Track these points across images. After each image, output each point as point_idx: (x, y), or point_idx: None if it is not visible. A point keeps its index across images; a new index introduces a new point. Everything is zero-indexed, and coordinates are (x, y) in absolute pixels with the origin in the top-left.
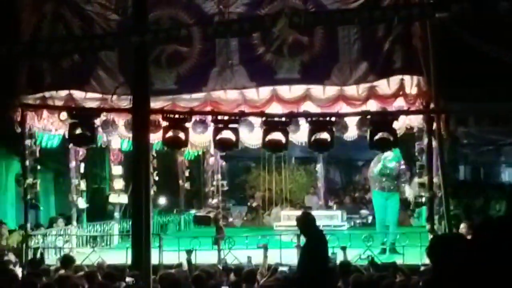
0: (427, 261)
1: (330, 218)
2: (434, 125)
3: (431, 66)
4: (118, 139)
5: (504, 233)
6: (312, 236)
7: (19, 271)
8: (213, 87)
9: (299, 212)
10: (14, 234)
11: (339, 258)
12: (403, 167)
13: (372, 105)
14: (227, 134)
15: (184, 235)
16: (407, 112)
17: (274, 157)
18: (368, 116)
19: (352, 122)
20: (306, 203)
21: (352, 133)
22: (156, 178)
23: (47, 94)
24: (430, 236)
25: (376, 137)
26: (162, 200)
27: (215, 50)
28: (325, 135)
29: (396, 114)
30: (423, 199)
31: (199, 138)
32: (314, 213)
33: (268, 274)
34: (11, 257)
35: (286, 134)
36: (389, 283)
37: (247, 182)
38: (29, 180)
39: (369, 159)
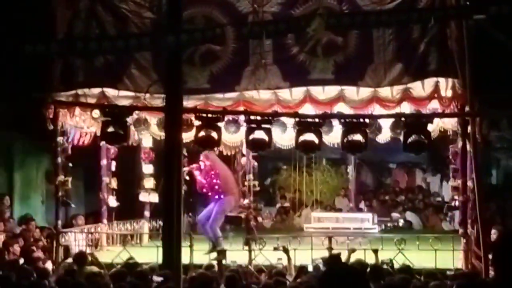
0: (459, 265)
1: (360, 221)
2: (469, 128)
3: (466, 69)
4: (150, 137)
5: None
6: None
7: (49, 267)
8: (246, 87)
9: (329, 214)
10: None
11: (371, 261)
12: None
13: (406, 107)
14: (259, 134)
15: None
16: (442, 115)
17: (305, 158)
18: (402, 118)
19: (385, 124)
20: (336, 205)
21: (385, 135)
22: (187, 178)
23: (79, 91)
24: (463, 241)
25: (410, 139)
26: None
27: (249, 49)
28: (358, 137)
29: (430, 117)
30: (456, 203)
31: (232, 138)
32: (344, 215)
33: (296, 274)
34: (40, 254)
35: (319, 135)
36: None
37: (277, 183)
38: (61, 177)
39: (401, 162)
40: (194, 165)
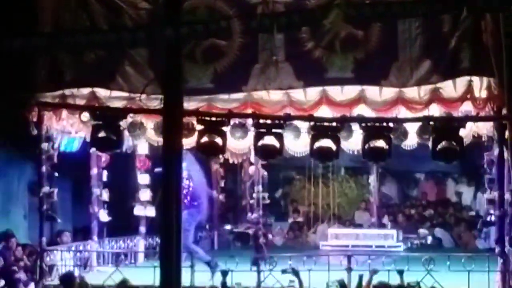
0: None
1: (384, 238)
2: (506, 133)
3: (503, 66)
4: (146, 143)
5: None
6: None
7: None
8: (255, 87)
9: (348, 230)
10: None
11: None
12: None
13: (435, 110)
14: (270, 140)
15: (219, 253)
16: (476, 119)
17: (320, 167)
18: (431, 122)
19: (412, 129)
20: (356, 220)
21: (411, 141)
22: None
23: (67, 91)
24: (500, 260)
25: (440, 146)
26: None
27: (258, 45)
28: (381, 143)
29: (462, 121)
30: (492, 218)
31: (238, 144)
32: (365, 231)
33: None
34: (22, 275)
35: (337, 141)
36: None
37: (290, 195)
38: (45, 189)
39: (430, 172)
40: None
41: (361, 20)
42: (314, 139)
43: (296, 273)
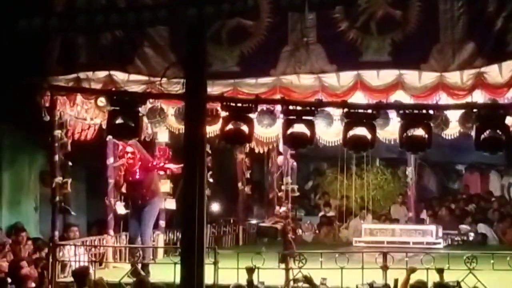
0: None
1: (422, 234)
2: None
3: None
4: (166, 131)
5: None
6: None
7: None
8: (284, 70)
9: (384, 226)
10: None
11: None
12: None
13: (479, 96)
14: (300, 127)
15: (244, 250)
16: None
17: (354, 158)
18: (474, 110)
19: (453, 117)
20: (392, 215)
21: (453, 130)
22: (211, 180)
23: (82, 75)
24: None
25: (484, 135)
26: (217, 207)
27: (287, 25)
28: (420, 132)
29: (509, 108)
30: None
31: (266, 133)
32: (402, 227)
33: None
34: (31, 271)
35: (372, 129)
36: None
37: (321, 188)
38: (58, 179)
39: (473, 163)
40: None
41: None
42: (347, 127)
43: (309, 281)
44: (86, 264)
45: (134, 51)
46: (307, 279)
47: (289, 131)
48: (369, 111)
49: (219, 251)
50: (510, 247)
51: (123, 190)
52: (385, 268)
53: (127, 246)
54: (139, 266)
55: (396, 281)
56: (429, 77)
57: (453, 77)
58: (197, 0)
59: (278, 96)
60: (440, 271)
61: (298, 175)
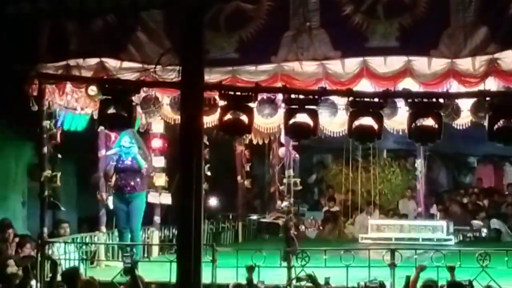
0: None
1: (432, 230)
2: None
3: None
4: (161, 121)
5: None
6: None
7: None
8: (286, 57)
9: (392, 221)
10: None
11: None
12: None
13: (492, 84)
14: (302, 117)
15: (244, 247)
16: None
17: (360, 149)
18: (487, 98)
19: (465, 105)
20: (400, 210)
21: (464, 119)
22: (208, 173)
23: (72, 62)
24: None
25: (497, 125)
26: (215, 202)
27: (289, 9)
28: (430, 122)
29: None
30: None
31: (266, 123)
32: (411, 223)
33: None
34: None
35: (379, 119)
36: None
37: (325, 181)
38: (47, 172)
39: (486, 155)
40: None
41: None
42: (353, 117)
43: (313, 280)
44: (77, 262)
45: (127, 37)
46: (311, 278)
47: (291, 121)
48: (376, 99)
49: (218, 249)
50: None
51: (113, 181)
52: (393, 266)
53: (120, 244)
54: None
55: (408, 278)
56: (439, 63)
57: (465, 63)
58: None
59: (279, 84)
60: (451, 269)
61: (300, 168)
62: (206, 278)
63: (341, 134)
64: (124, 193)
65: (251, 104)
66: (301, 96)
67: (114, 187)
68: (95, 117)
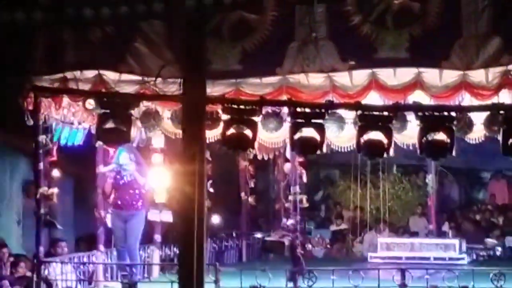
0: None
1: (444, 249)
2: None
3: None
4: (162, 136)
5: None
6: None
7: None
8: (291, 69)
9: (402, 240)
10: None
11: None
12: None
13: (506, 97)
14: (309, 132)
15: (248, 266)
16: None
17: (369, 165)
18: (501, 111)
19: (478, 119)
20: (411, 228)
21: (477, 133)
22: (211, 190)
23: (69, 74)
24: None
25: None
26: (218, 219)
27: (294, 19)
28: (441, 136)
29: None
30: None
31: (271, 137)
32: (422, 241)
33: None
34: None
35: (388, 133)
36: None
37: (332, 198)
38: (43, 189)
39: (499, 170)
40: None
41: None
42: (361, 131)
43: None
44: (74, 283)
45: (126, 48)
46: None
47: (296, 136)
48: (385, 113)
49: (221, 268)
50: None
51: (111, 198)
52: (403, 286)
53: (119, 264)
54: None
55: None
56: (451, 75)
57: (478, 75)
58: None
59: (284, 97)
60: None
61: (307, 184)
62: None
63: (349, 149)
64: (122, 211)
65: (255, 118)
66: (307, 110)
67: (112, 204)
68: (93, 131)
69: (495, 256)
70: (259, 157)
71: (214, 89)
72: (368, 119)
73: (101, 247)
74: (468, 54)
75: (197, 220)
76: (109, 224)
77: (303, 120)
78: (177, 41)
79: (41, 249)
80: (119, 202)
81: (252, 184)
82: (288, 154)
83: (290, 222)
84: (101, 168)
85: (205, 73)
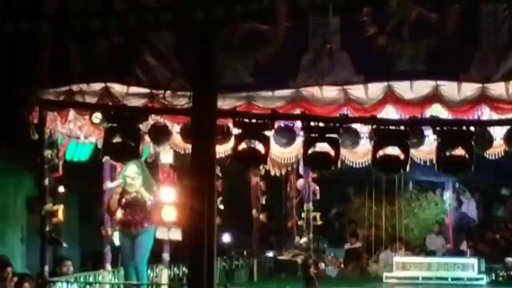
0: None
1: (462, 268)
2: None
3: None
4: (171, 151)
5: None
6: None
7: None
8: (305, 81)
9: (418, 259)
10: None
11: None
12: None
13: None
14: (322, 147)
15: (259, 286)
16: None
17: (384, 181)
18: None
19: (498, 134)
20: (428, 246)
21: (497, 149)
22: (221, 207)
23: (75, 87)
24: None
25: None
26: (228, 237)
27: (308, 30)
28: (460, 151)
29: None
30: None
31: (284, 152)
32: (439, 260)
33: None
34: None
35: (405, 148)
36: None
37: (346, 216)
38: (48, 206)
39: None
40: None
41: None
42: (377, 146)
43: None
44: None
45: (134, 60)
46: None
47: (310, 151)
48: (402, 127)
49: None
50: None
51: (117, 215)
52: None
53: (126, 283)
54: None
55: None
56: (469, 88)
57: (497, 88)
58: (206, 2)
59: (297, 111)
60: None
61: (320, 201)
62: None
63: (364, 165)
64: (129, 229)
65: (267, 133)
66: (321, 124)
67: (119, 222)
68: (100, 146)
69: None
70: (272, 173)
71: (224, 103)
72: (384, 133)
73: (108, 266)
74: (488, 66)
75: (207, 239)
76: (117, 242)
77: (316, 135)
78: (186, 53)
79: (46, 268)
80: (126, 220)
81: (263, 201)
82: (301, 169)
83: (303, 240)
84: (108, 184)
85: (216, 86)
